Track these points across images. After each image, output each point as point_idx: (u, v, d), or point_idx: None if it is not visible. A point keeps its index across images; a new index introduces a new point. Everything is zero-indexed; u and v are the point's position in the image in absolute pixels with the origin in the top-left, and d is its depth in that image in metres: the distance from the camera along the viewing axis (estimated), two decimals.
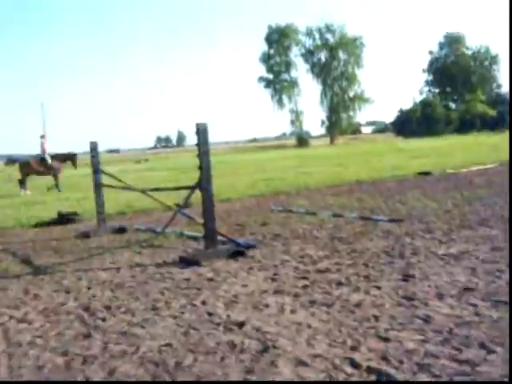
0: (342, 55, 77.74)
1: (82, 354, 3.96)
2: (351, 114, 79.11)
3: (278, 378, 3.28)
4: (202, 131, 6.75)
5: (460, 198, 10.64)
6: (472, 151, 26.03)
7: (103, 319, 4.75)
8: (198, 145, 6.79)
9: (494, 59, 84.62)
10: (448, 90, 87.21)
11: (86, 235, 9.60)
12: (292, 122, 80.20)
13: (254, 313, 4.58)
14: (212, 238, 6.86)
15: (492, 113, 72.39)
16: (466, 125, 70.08)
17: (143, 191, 9.50)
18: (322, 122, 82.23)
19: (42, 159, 20.98)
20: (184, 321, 4.52)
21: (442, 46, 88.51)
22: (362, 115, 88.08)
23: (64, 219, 11.85)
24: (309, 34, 78.86)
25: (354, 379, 3.21)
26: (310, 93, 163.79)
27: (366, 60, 79.29)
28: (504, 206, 8.93)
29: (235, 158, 38.03)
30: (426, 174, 16.78)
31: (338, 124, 78.64)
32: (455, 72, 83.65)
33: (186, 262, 6.70)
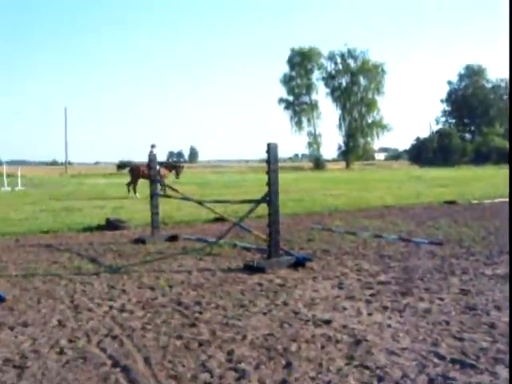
0: (362, 81, 78.72)
1: (196, 338, 4.61)
2: (368, 139, 79.89)
3: (377, 365, 3.90)
4: (272, 150, 7.43)
5: (492, 227, 11.23)
6: (490, 183, 26.60)
7: (200, 312, 5.40)
8: (267, 162, 7.47)
9: None
10: (466, 121, 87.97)
11: (141, 241, 10.25)
12: (309, 145, 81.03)
13: (335, 313, 5.22)
14: (275, 249, 7.50)
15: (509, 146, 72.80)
16: (481, 157, 70.60)
17: (200, 202, 10.14)
18: (339, 147, 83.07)
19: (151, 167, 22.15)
20: (274, 317, 5.16)
21: (461, 77, 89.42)
22: (378, 142, 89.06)
23: (112, 225, 12.50)
24: (331, 58, 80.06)
25: (440, 370, 3.82)
26: (327, 116, 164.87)
27: (386, 87, 79.73)
28: None
29: (256, 177, 38.69)
30: (452, 202, 17.39)
31: (354, 149, 79.39)
32: (474, 104, 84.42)
33: (251, 269, 7.34)
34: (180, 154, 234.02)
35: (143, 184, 22.20)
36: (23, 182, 32.84)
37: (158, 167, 21.93)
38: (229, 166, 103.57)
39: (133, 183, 22.49)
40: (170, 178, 23.42)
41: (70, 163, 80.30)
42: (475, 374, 3.70)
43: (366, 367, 3.88)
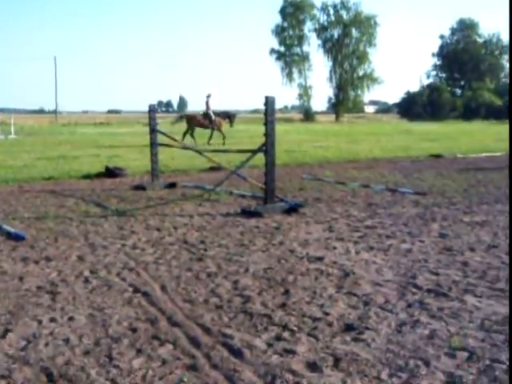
0: (354, 33, 78.15)
1: (204, 271, 5.22)
2: (359, 92, 79.88)
3: (363, 293, 4.53)
4: (270, 103, 7.93)
5: (474, 180, 11.86)
6: (478, 138, 27.18)
7: (205, 250, 6.01)
8: (265, 114, 7.98)
9: (504, 48, 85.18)
10: (456, 75, 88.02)
11: (142, 188, 10.80)
12: (300, 96, 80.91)
13: (327, 252, 5.85)
14: (271, 196, 8.09)
15: (498, 102, 73.18)
16: (470, 112, 70.95)
17: (200, 152, 10.65)
18: (330, 99, 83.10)
19: (206, 114, 24.12)
20: (272, 254, 5.79)
21: (453, 31, 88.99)
22: (368, 95, 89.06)
23: (111, 173, 13.00)
24: (324, 9, 79.12)
25: (417, 297, 4.45)
26: (318, 69, 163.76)
27: (378, 40, 79.14)
28: None
29: (246, 127, 38.99)
30: (438, 156, 17.99)
31: (344, 102, 79.45)
32: (465, 58, 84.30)
33: (248, 213, 7.93)
34: (169, 104, 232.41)
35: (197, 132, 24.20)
36: (14, 130, 33.01)
37: (213, 116, 23.87)
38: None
39: (190, 131, 23.94)
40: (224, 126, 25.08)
41: (58, 112, 79.83)
42: (447, 301, 4.33)
43: (354, 294, 4.51)
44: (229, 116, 26.11)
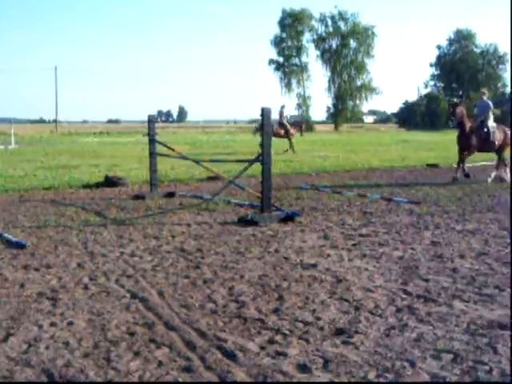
0: (352, 43, 78.57)
1: (201, 277, 5.37)
2: (357, 102, 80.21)
3: (354, 298, 4.67)
4: (266, 114, 8.11)
5: (469, 189, 12.01)
6: None
7: (202, 257, 6.15)
8: (261, 125, 8.15)
9: (501, 58, 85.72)
10: (454, 85, 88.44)
11: (141, 197, 10.95)
12: (298, 106, 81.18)
13: (320, 259, 6.00)
14: (268, 205, 8.23)
15: (496, 112, 73.31)
16: None
17: (197, 161, 10.81)
18: (328, 109, 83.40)
19: (281, 124, 24.83)
20: (267, 261, 5.93)
21: (451, 41, 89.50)
22: (367, 105, 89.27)
23: (111, 182, 13.14)
24: (322, 20, 79.59)
25: (407, 303, 4.59)
26: (317, 79, 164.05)
27: (376, 50, 79.57)
28: (508, 198, 10.32)
29: (245, 138, 39.26)
30: (434, 165, 18.17)
31: (343, 112, 79.76)
32: (462, 69, 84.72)
33: (245, 222, 8.08)
34: (169, 114, 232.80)
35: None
36: (15, 140, 33.18)
37: (288, 126, 24.90)
38: (218, 126, 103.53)
39: None
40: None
41: (58, 122, 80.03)
42: (435, 306, 4.47)
43: (346, 300, 4.65)
44: (300, 125, 27.65)
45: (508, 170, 13.71)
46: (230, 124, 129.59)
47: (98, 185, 13.11)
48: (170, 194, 11.22)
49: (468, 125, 13.48)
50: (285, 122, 25.17)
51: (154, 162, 11.33)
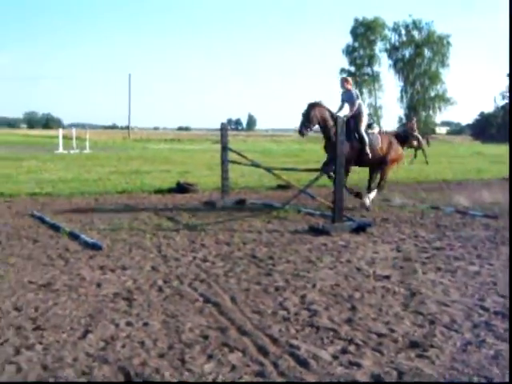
0: (426, 53, 77.19)
1: (272, 285, 5.38)
2: (430, 113, 78.69)
3: (429, 312, 4.58)
4: (339, 124, 8.06)
5: None
6: None
7: (273, 265, 6.17)
8: (335, 135, 8.10)
9: None
10: None
11: (212, 204, 11.09)
12: (370, 116, 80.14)
13: (393, 271, 5.91)
14: (339, 214, 8.18)
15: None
16: None
17: (268, 169, 10.85)
18: (400, 119, 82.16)
19: (413, 136, 25.29)
20: (339, 271, 5.89)
21: None
22: (440, 115, 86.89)
23: (182, 188, 13.36)
24: (395, 29, 78.68)
25: (484, 319, 4.46)
26: (388, 88, 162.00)
27: (451, 60, 77.83)
28: None
29: (314, 147, 39.15)
30: None
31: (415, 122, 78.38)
32: None
33: (316, 231, 8.06)
34: (238, 122, 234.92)
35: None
36: (89, 145, 34.23)
37: (420, 137, 25.30)
38: (287, 135, 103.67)
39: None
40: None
41: (131, 128, 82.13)
42: None
43: (420, 313, 4.56)
44: (426, 137, 29.08)
45: (372, 195, 10.79)
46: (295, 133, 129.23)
47: (169, 190, 13.36)
48: (241, 202, 11.31)
49: (333, 130, 9.48)
50: (417, 133, 25.28)
51: (226, 170, 11.45)
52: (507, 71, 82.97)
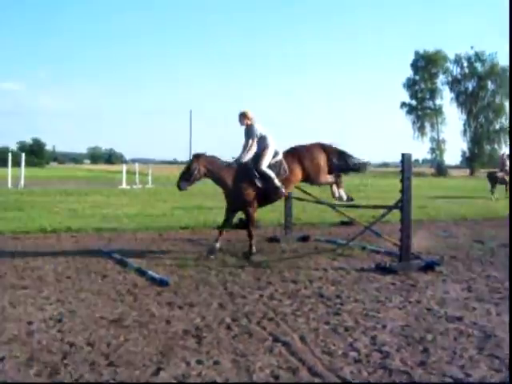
0: (490, 85, 75.92)
1: (342, 324, 5.32)
2: (495, 146, 76.93)
3: (506, 355, 4.42)
4: (406, 160, 7.99)
5: None
6: None
7: (341, 304, 6.10)
8: (402, 171, 8.04)
9: None
10: None
11: (276, 240, 11.08)
12: (432, 150, 79.30)
13: (466, 312, 5.75)
14: (406, 253, 8.04)
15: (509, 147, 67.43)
16: None
17: (332, 206, 10.80)
18: (463, 153, 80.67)
19: (505, 171, 25.75)
20: (409, 312, 5.77)
21: None
22: (506, 149, 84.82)
23: (245, 225, 13.37)
24: (457, 61, 77.84)
25: None
26: (451, 122, 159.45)
27: None
28: None
29: (375, 182, 38.84)
30: None
31: (479, 156, 76.80)
32: None
33: (383, 269, 7.93)
34: None
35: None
36: (151, 179, 34.90)
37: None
38: None
39: (492, 187, 25.21)
40: None
41: None
42: None
43: (496, 357, 4.41)
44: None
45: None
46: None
47: (232, 226, 13.41)
48: (305, 238, 11.27)
49: (230, 177, 9.32)
50: (507, 168, 25.44)
51: (289, 206, 11.46)
52: None
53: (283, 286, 7.06)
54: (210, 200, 21.41)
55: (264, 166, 9.12)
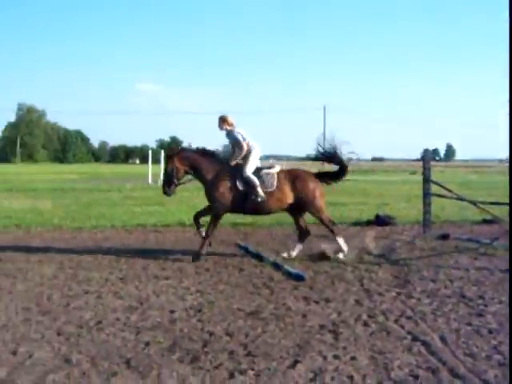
0: None
1: (485, 326, 5.10)
2: None
3: None
4: None
5: None
6: None
7: (484, 305, 5.83)
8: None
9: None
10: None
11: (445, 236, 10.70)
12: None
13: None
14: None
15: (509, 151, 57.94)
16: None
17: (474, 203, 10.35)
18: None
19: None
20: None
21: None
22: None
23: (381, 221, 13.18)
24: None
25: None
26: None
27: None
28: None
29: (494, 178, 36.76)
30: None
31: None
32: None
33: None
34: (436, 152, 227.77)
35: None
36: None
37: None
38: (489, 165, 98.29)
39: None
40: None
41: None
42: None
43: None
44: None
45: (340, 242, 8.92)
46: (503, 163, 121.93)
47: (368, 223, 13.26)
48: (444, 236, 10.87)
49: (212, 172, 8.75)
50: None
51: (428, 203, 11.13)
52: None
53: (422, 284, 6.87)
54: (345, 196, 21.33)
55: (249, 172, 8.65)
